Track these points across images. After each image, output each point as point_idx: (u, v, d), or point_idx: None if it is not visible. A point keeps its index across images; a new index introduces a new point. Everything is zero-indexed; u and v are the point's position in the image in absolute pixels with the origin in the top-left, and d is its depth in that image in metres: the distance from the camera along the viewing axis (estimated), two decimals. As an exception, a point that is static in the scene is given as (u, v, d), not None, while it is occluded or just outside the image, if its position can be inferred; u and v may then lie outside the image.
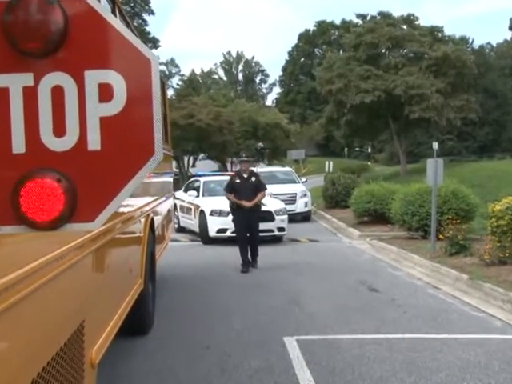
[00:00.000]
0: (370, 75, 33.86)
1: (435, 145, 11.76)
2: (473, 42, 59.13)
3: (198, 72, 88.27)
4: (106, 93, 1.63)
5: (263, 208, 12.28)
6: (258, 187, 9.72)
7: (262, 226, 12.49)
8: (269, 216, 13.07)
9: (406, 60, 35.22)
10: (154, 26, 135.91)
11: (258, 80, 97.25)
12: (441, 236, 10.45)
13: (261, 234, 12.61)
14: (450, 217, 11.20)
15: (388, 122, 35.77)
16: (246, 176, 9.73)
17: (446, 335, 5.84)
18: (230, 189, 9.79)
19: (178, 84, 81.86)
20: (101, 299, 3.54)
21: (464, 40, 44.46)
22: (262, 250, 11.43)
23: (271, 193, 15.58)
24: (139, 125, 1.63)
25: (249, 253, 9.71)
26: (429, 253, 10.16)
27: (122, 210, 4.09)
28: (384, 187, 15.21)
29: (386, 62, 34.79)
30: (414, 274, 9.37)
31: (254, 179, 9.74)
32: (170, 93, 55.61)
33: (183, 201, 15.42)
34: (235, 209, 9.74)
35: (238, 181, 9.71)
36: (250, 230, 9.76)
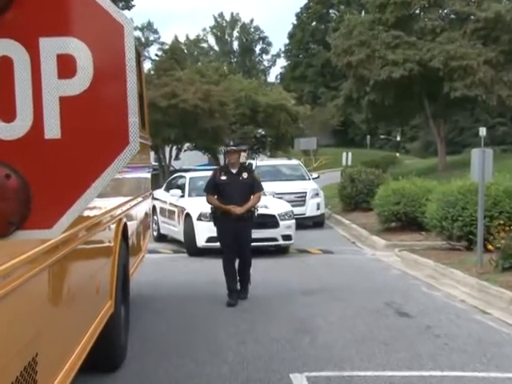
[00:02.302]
0: (399, 43, 33.81)
1: (483, 131, 11.78)
2: (535, -3, 58.84)
3: (182, 39, 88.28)
4: (67, 66, 1.62)
5: (265, 211, 12.29)
6: (252, 187, 9.03)
7: (264, 233, 12.55)
8: (271, 221, 13.06)
9: (447, 23, 35.17)
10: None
11: (257, 50, 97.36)
12: (490, 246, 10.43)
13: (262, 244, 12.68)
14: (501, 222, 11.19)
15: (422, 103, 35.74)
16: (234, 171, 8.94)
17: (499, 374, 5.83)
18: (213, 189, 9.06)
19: (156, 55, 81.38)
20: (59, 327, 3.53)
21: (523, -5, 44.20)
22: (263, 264, 11.41)
23: (274, 192, 15.58)
24: (110, 107, 1.62)
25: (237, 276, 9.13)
26: (475, 268, 10.15)
27: (86, 213, 4.09)
28: (417, 185, 15.22)
29: (421, 25, 34.71)
30: (456, 294, 9.37)
31: (246, 176, 8.99)
32: (146, 66, 55.55)
33: (164, 202, 15.41)
34: (219, 216, 9.01)
35: (223, 178, 8.95)
36: (239, 247, 9.01)
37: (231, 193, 8.84)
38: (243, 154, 9.93)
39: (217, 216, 9.06)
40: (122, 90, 1.62)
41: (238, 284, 9.14)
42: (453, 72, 32.45)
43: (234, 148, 9.17)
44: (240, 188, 8.86)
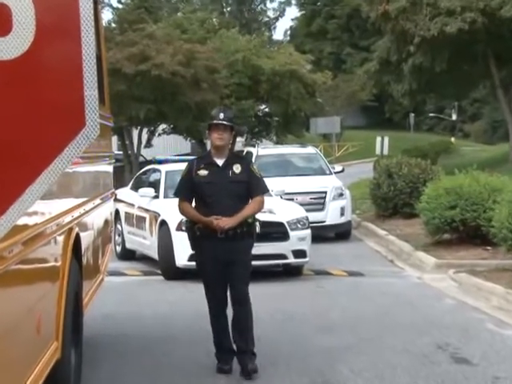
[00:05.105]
0: (456, -15, 33.83)
1: None
2: None
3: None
4: (-1, 20, 1.62)
5: (269, 218, 12.28)
6: (250, 187, 7.86)
7: (268, 248, 12.52)
8: (278, 231, 13.10)
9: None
10: None
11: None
12: None
13: (265, 263, 12.65)
14: None
15: (488, 67, 35.74)
16: (220, 162, 7.82)
17: None
18: (188, 191, 7.95)
19: (120, 1, 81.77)
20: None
21: None
22: (267, 291, 11.40)
23: (283, 191, 15.53)
24: (59, 76, 1.60)
25: (230, 332, 8.00)
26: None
27: (24, 221, 4.09)
28: (480, 181, 15.21)
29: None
30: (534, 333, 9.39)
31: (239, 169, 7.80)
32: (106, 17, 55.54)
33: (131, 205, 15.42)
34: (199, 235, 7.80)
35: (202, 173, 7.77)
36: (229, 284, 7.90)
37: (216, 197, 7.73)
38: (240, 139, 9.57)
39: (195, 234, 7.89)
40: (74, 52, 1.58)
41: (231, 337, 8.10)
42: (531, 24, 32.39)
43: (222, 122, 7.74)
44: (229, 189, 7.77)
